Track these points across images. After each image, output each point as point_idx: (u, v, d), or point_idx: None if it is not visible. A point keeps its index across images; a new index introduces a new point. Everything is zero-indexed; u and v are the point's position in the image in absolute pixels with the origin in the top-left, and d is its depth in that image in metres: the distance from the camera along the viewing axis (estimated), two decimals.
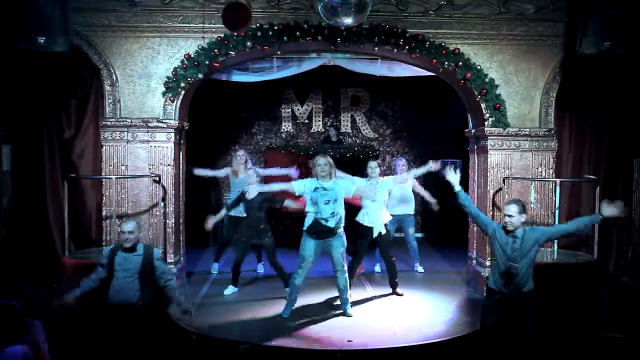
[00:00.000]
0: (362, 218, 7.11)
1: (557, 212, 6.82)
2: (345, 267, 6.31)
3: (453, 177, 5.39)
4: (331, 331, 5.89)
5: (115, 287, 5.25)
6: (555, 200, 6.90)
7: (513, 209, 5.02)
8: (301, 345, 5.51)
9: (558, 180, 6.96)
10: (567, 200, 7.66)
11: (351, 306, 6.52)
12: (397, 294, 7.17)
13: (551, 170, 7.37)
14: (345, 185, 6.25)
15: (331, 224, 6.03)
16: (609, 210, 4.93)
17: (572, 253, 6.99)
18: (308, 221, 6.13)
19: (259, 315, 6.42)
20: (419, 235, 11.63)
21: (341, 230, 6.18)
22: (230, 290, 7.26)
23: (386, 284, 7.34)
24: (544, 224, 7.21)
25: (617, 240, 8.15)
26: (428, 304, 6.91)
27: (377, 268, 8.42)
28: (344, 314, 6.39)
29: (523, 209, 5.06)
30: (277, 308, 6.54)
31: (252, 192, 7.08)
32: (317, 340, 5.64)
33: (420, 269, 8.55)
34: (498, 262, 5.09)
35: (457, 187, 5.34)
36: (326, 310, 6.61)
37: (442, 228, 10.77)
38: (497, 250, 5.11)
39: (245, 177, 7.71)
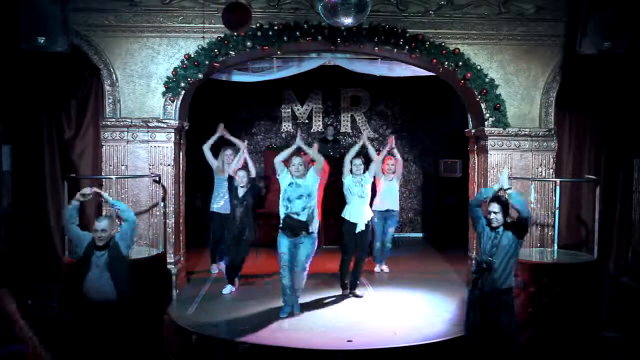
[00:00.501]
0: (347, 214, 7.09)
1: (557, 212, 6.82)
2: (306, 270, 6.39)
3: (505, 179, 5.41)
4: (331, 331, 5.89)
5: (90, 284, 5.09)
6: (555, 200, 6.90)
7: (498, 205, 5.10)
8: (301, 345, 5.50)
9: (558, 180, 6.95)
10: (567, 201, 7.67)
11: (348, 306, 6.54)
12: (356, 296, 7.10)
13: (551, 170, 7.37)
14: (312, 175, 6.35)
15: (303, 217, 6.20)
16: (505, 180, 5.20)
17: (572, 253, 6.98)
18: (281, 218, 6.28)
19: (258, 315, 6.42)
20: (420, 235, 11.67)
21: (314, 230, 6.31)
22: (228, 289, 7.26)
23: (386, 284, 7.34)
24: (543, 224, 7.22)
25: (617, 240, 8.16)
26: (428, 304, 6.91)
27: (377, 268, 8.42)
28: (292, 313, 6.37)
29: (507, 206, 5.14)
30: (276, 308, 6.54)
31: (241, 187, 7.11)
32: (317, 340, 5.63)
33: (385, 268, 8.51)
34: (478, 257, 5.20)
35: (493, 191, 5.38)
36: (326, 310, 6.62)
37: (442, 228, 10.78)
38: (479, 246, 5.23)
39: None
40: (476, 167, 7.76)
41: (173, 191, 7.25)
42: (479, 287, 5.11)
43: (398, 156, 8.33)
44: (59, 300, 6.38)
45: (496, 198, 5.25)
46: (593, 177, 7.36)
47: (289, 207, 6.21)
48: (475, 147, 7.79)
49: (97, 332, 5.14)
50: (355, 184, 7.05)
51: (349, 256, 7.11)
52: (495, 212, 5.09)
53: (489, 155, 7.36)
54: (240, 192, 7.15)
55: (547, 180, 7.24)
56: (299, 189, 6.23)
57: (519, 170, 7.31)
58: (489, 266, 5.03)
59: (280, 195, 6.33)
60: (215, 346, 5.72)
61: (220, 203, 7.98)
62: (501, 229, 5.11)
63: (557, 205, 6.81)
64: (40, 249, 7.65)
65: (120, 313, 5.16)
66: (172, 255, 7.20)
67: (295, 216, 6.19)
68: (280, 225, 6.30)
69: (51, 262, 7.41)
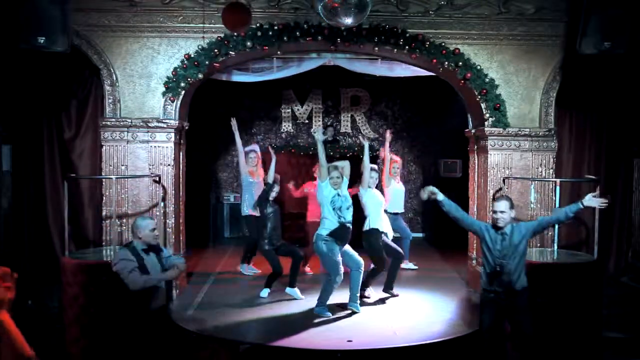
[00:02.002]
0: (372, 225, 6.93)
1: None
2: (362, 266, 6.47)
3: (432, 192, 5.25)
4: (331, 331, 5.89)
5: (156, 292, 5.00)
6: (555, 200, 6.90)
7: (504, 205, 5.02)
8: (301, 345, 5.50)
9: (558, 180, 6.96)
10: (567, 200, 7.66)
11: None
12: (393, 295, 7.14)
13: (551, 170, 7.37)
14: (346, 184, 6.48)
15: (350, 225, 6.37)
16: (591, 201, 5.01)
17: (572, 253, 6.99)
18: (330, 228, 6.25)
19: (259, 315, 6.42)
20: (420, 235, 11.66)
21: None
22: (265, 292, 7.10)
23: None
24: None
25: (617, 240, 8.15)
26: (428, 304, 6.91)
27: (404, 265, 8.45)
28: (351, 309, 6.40)
29: (512, 205, 5.08)
30: (277, 308, 6.56)
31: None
32: (317, 340, 5.63)
33: (411, 265, 8.57)
34: (486, 260, 5.06)
35: (440, 196, 5.18)
36: None
37: (442, 228, 10.75)
38: (485, 249, 5.09)
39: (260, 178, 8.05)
40: (476, 167, 7.77)
41: (173, 191, 7.24)
42: (494, 289, 5.02)
43: (394, 156, 8.47)
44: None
45: (504, 196, 5.19)
46: (593, 177, 7.35)
47: (341, 217, 6.30)
48: (475, 147, 7.79)
49: (144, 337, 5.01)
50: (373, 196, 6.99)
51: (382, 266, 6.92)
52: (502, 212, 4.99)
53: (489, 155, 7.36)
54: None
55: (547, 180, 7.24)
56: (346, 200, 6.37)
57: (519, 170, 7.31)
58: (502, 269, 4.94)
59: (327, 205, 6.30)
60: (215, 346, 5.72)
61: (252, 206, 8.02)
62: (508, 228, 5.01)
63: (557, 205, 6.81)
64: (40, 249, 7.65)
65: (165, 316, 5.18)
66: None
67: (349, 225, 6.33)
68: (331, 233, 6.26)
69: (51, 262, 7.41)
